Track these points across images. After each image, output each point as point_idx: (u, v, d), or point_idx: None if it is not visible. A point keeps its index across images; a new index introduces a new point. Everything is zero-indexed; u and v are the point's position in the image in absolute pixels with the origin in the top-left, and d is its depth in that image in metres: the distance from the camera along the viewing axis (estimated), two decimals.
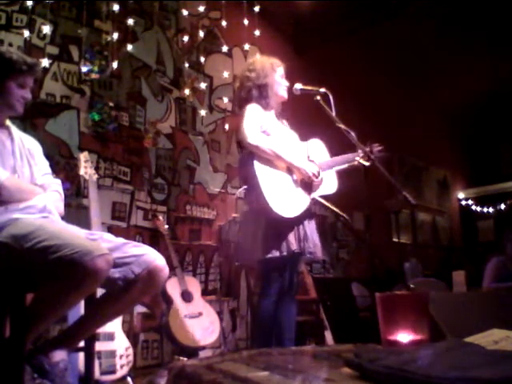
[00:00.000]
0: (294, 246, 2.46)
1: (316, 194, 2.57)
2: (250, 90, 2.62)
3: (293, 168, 2.52)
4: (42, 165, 2.02)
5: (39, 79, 3.13)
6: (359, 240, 5.61)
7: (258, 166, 2.42)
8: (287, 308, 2.59)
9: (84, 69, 3.49)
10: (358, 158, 2.50)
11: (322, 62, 5.23)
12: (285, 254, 2.44)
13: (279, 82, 2.66)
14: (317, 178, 2.53)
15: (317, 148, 2.73)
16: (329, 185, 2.65)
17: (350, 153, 2.68)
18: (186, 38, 4.24)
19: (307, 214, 2.58)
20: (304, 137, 2.78)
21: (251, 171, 2.42)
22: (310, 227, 2.62)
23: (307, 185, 2.55)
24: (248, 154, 2.48)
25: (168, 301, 3.33)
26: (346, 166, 2.71)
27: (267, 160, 2.46)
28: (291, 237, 2.47)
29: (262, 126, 2.54)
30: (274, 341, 2.50)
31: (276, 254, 2.43)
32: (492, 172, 8.06)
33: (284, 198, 2.43)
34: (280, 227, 2.45)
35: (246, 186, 2.64)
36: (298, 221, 2.50)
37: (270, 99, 2.62)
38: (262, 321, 2.55)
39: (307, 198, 2.52)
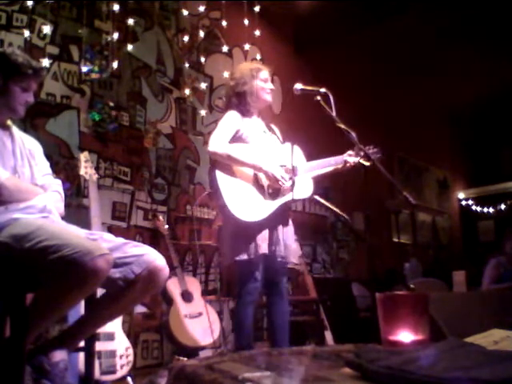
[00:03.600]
0: (262, 250, 2.49)
1: (286, 199, 2.57)
2: (230, 98, 2.71)
3: (259, 171, 2.56)
4: (43, 165, 2.03)
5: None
6: (359, 240, 5.61)
7: (220, 175, 2.51)
8: (277, 309, 2.63)
9: (84, 69, 3.49)
10: (348, 162, 2.55)
11: (322, 61, 5.23)
12: (252, 256, 2.48)
13: (261, 87, 2.69)
14: (283, 183, 2.54)
15: (293, 153, 2.74)
16: (303, 189, 2.65)
17: (349, 153, 2.69)
18: (186, 38, 4.24)
19: (280, 219, 2.60)
20: (296, 138, 2.80)
21: (213, 178, 2.51)
22: (285, 232, 2.64)
23: (274, 190, 2.58)
24: (213, 161, 2.57)
25: (168, 301, 3.33)
26: (328, 169, 2.73)
27: (229, 167, 2.53)
28: (261, 240, 2.51)
29: (238, 131, 2.60)
30: (270, 341, 2.53)
31: (244, 256, 2.48)
32: (492, 172, 8.05)
33: (245, 203, 2.48)
34: (247, 230, 2.49)
35: (210, 191, 2.71)
36: (267, 225, 2.53)
37: (250, 106, 2.67)
38: (238, 322, 2.60)
39: (273, 203, 2.55)
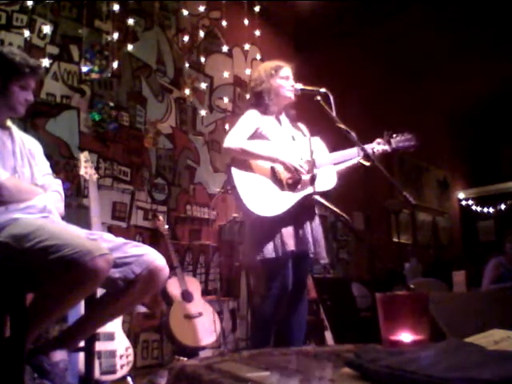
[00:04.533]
0: (290, 247, 2.43)
1: (308, 191, 2.49)
2: (250, 99, 2.71)
3: (275, 162, 2.51)
4: (43, 165, 2.03)
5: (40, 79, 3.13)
6: (359, 240, 5.61)
7: (235, 171, 2.48)
8: (295, 308, 2.58)
9: (84, 69, 3.49)
10: (359, 158, 2.50)
11: (323, 61, 5.23)
12: (280, 254, 2.41)
13: (280, 85, 2.63)
14: (303, 172, 2.48)
15: (315, 146, 2.70)
16: (326, 181, 2.57)
17: (377, 141, 2.63)
18: (186, 38, 4.24)
19: (305, 214, 2.54)
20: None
21: (230, 176, 2.48)
22: (313, 227, 2.57)
23: (293, 183, 2.51)
24: (230, 160, 2.54)
25: (168, 301, 3.33)
26: (346, 164, 2.65)
27: (246, 163, 2.50)
28: (288, 237, 2.44)
29: (258, 129, 2.57)
30: (275, 341, 2.50)
31: (272, 254, 2.42)
32: (492, 172, 8.06)
33: (263, 197, 2.43)
34: (269, 226, 2.44)
35: (218, 192, 2.69)
36: (291, 219, 2.47)
37: (269, 104, 2.63)
38: (260, 320, 2.57)
39: (294, 195, 2.48)
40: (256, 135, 2.56)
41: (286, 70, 2.68)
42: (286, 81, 2.65)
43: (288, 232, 2.45)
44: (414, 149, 2.67)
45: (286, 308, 2.58)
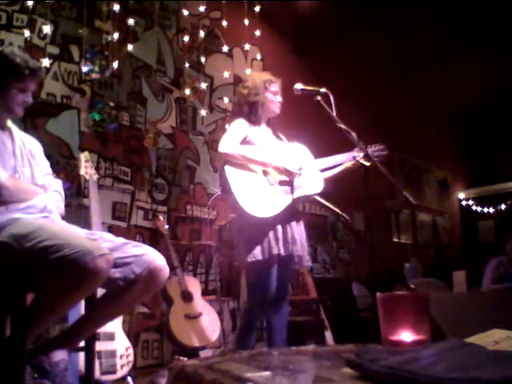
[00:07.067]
0: (276, 250, 2.49)
1: (298, 194, 2.58)
2: (242, 106, 2.75)
3: (270, 167, 2.58)
4: (43, 165, 2.03)
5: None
6: (359, 240, 5.61)
7: (230, 171, 2.51)
8: (278, 310, 2.62)
9: (84, 69, 3.49)
10: (357, 157, 2.53)
11: (323, 61, 5.23)
12: (266, 257, 2.47)
13: (271, 100, 2.73)
14: (295, 173, 2.56)
15: (301, 153, 2.76)
16: (313, 184, 2.66)
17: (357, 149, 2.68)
18: (186, 38, 4.24)
19: (291, 215, 2.60)
20: (298, 139, 2.81)
21: (224, 177, 2.52)
22: (298, 230, 2.64)
23: (286, 185, 2.58)
24: (223, 163, 2.57)
25: (168, 301, 3.33)
26: (339, 168, 2.74)
27: (240, 165, 2.54)
28: (273, 240, 2.50)
29: (246, 137, 2.63)
30: (266, 342, 2.54)
31: (259, 257, 2.48)
32: (492, 172, 8.05)
33: (258, 198, 2.48)
34: (260, 229, 2.49)
35: (220, 193, 2.71)
36: (279, 221, 2.53)
37: (260, 115, 2.71)
38: (248, 323, 2.62)
39: (286, 197, 2.54)
40: (244, 142, 2.63)
41: (276, 86, 2.78)
42: (273, 96, 2.75)
43: (275, 234, 2.52)
44: (385, 158, 2.73)
45: (270, 309, 2.62)
